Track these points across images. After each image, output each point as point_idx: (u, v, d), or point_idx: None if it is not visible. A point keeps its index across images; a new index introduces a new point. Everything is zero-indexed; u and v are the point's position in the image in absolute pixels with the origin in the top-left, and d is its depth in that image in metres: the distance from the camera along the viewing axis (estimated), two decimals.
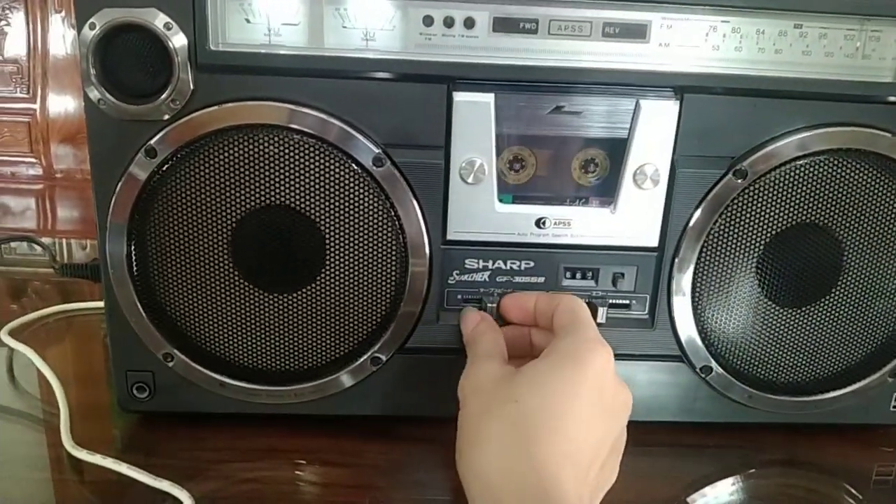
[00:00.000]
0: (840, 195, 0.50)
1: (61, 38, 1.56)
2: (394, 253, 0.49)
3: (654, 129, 0.48)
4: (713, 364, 0.53)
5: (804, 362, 0.54)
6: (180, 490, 0.45)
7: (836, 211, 0.50)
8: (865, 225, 0.50)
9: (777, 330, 0.53)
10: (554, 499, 0.36)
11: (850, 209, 0.50)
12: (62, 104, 1.60)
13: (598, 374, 0.41)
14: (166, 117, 0.46)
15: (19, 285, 0.81)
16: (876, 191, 0.50)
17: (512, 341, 0.48)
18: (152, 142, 0.46)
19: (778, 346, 0.53)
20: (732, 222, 0.50)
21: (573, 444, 0.39)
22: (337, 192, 0.47)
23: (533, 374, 0.41)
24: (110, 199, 0.47)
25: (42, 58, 1.57)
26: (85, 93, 0.45)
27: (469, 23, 0.45)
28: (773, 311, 0.52)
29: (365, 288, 0.50)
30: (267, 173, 0.47)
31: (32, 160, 1.63)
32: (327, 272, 0.49)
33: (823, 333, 0.53)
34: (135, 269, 0.49)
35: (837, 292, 0.52)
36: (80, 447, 0.48)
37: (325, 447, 0.52)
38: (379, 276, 0.49)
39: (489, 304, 0.50)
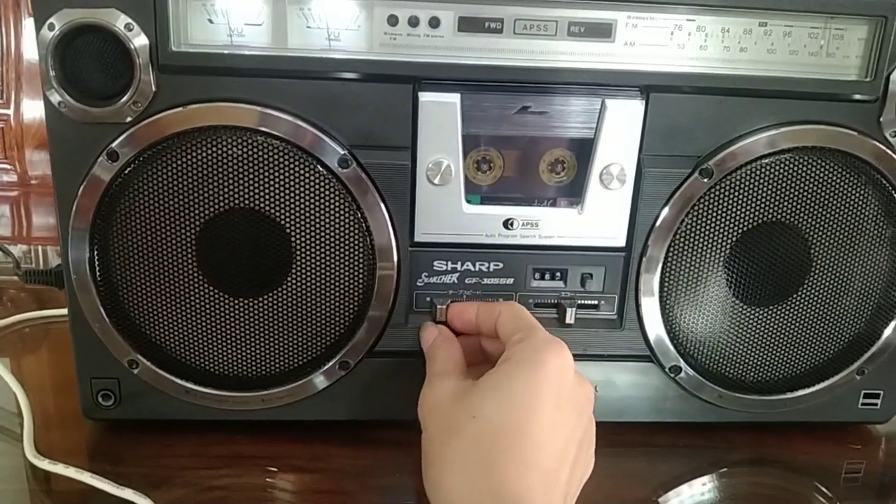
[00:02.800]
0: (806, 193, 0.50)
1: (35, 42, 1.55)
2: (361, 256, 0.49)
3: (621, 129, 0.48)
4: (682, 364, 0.53)
5: (773, 361, 0.54)
6: (144, 499, 0.44)
7: (803, 209, 0.50)
8: (832, 223, 0.51)
9: (746, 329, 0.53)
10: None
11: (817, 207, 0.50)
12: (36, 109, 1.58)
13: (558, 373, 0.40)
14: (128, 119, 0.45)
15: None
16: (842, 189, 0.50)
17: (465, 350, 0.47)
18: (114, 145, 0.45)
19: (747, 345, 0.53)
20: (699, 221, 0.50)
21: (538, 452, 0.38)
22: (302, 195, 0.47)
23: (489, 386, 0.41)
24: (72, 203, 0.46)
25: (15, 62, 1.55)
26: (45, 95, 0.45)
27: (434, 22, 0.45)
28: (741, 309, 0.52)
29: (332, 291, 0.49)
30: (231, 176, 0.46)
31: (7, 166, 1.61)
32: (294, 276, 0.49)
33: (792, 332, 0.53)
34: (98, 274, 0.48)
35: (805, 290, 0.52)
36: (42, 456, 0.48)
37: (293, 453, 0.51)
38: (346, 279, 0.49)
39: (439, 307, 0.50)
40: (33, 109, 1.58)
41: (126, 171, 0.46)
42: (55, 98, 0.44)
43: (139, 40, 0.44)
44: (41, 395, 0.56)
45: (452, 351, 0.47)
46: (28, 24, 1.53)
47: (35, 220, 1.50)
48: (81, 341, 0.50)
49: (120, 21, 0.43)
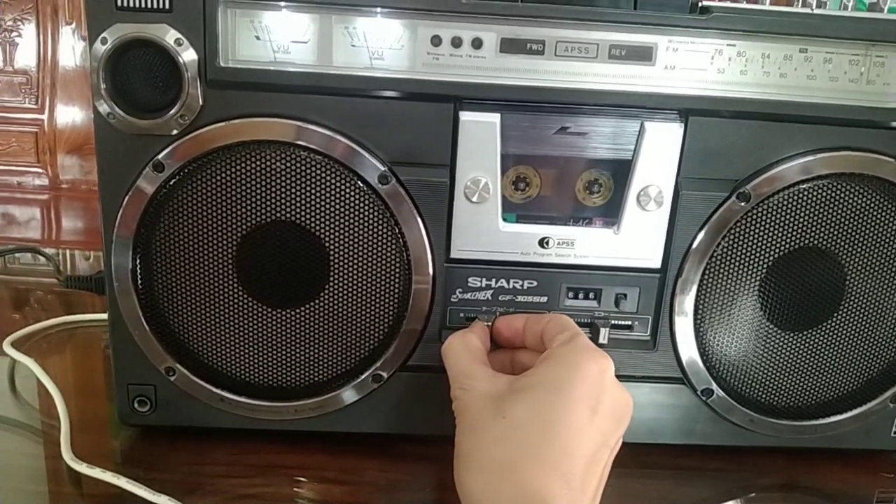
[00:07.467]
0: (843, 219, 0.50)
1: (71, 49, 1.58)
2: (397, 270, 0.49)
3: (659, 151, 0.48)
4: (714, 387, 0.52)
5: (806, 386, 0.53)
6: None
7: (839, 235, 0.50)
8: (868, 249, 0.51)
9: (779, 353, 0.53)
10: None
11: (853, 233, 0.50)
12: (70, 115, 1.61)
13: (596, 378, 0.40)
14: (175, 132, 0.46)
15: (23, 296, 0.82)
16: (879, 215, 0.50)
17: (495, 365, 0.46)
18: (160, 156, 0.46)
19: (779, 369, 0.53)
20: (735, 245, 0.50)
21: (563, 456, 0.38)
22: (342, 209, 0.48)
23: (522, 386, 0.41)
24: (117, 212, 0.47)
25: (51, 69, 1.59)
26: (95, 106, 0.46)
27: (477, 43, 0.46)
28: (774, 334, 0.52)
29: (368, 305, 0.50)
30: (273, 189, 0.47)
31: (39, 170, 1.65)
32: (331, 289, 0.49)
33: (825, 358, 0.53)
34: (139, 282, 0.49)
35: (840, 317, 0.52)
36: (79, 460, 0.48)
37: (324, 464, 0.52)
38: (382, 293, 0.50)
39: (486, 324, 0.50)
40: (67, 115, 1.61)
41: (171, 183, 0.47)
42: (104, 109, 0.46)
43: (188, 55, 0.45)
44: (72, 399, 0.56)
45: (466, 342, 0.46)
46: (64, 32, 1.56)
47: (65, 224, 1.53)
48: (120, 347, 0.51)
49: (170, 36, 0.44)
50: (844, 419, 0.54)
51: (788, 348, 0.53)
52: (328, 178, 0.47)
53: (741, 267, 0.50)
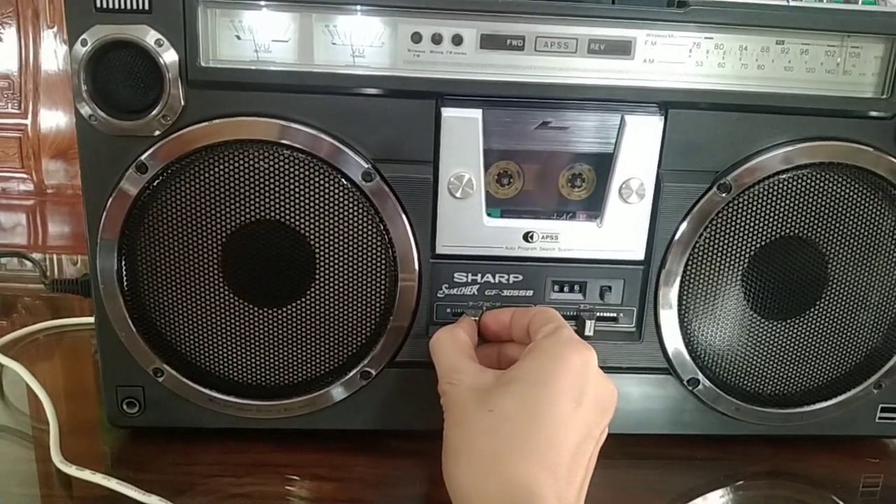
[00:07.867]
0: (823, 208, 0.50)
1: (53, 53, 1.57)
2: (383, 267, 0.49)
3: (640, 144, 0.48)
4: (700, 377, 0.53)
5: (790, 374, 0.54)
6: None
7: (820, 224, 0.51)
8: (849, 237, 0.51)
9: (763, 342, 0.53)
10: None
11: (834, 222, 0.51)
12: (54, 119, 1.60)
13: (580, 370, 0.41)
14: (157, 133, 0.46)
15: (9, 301, 0.81)
16: (858, 204, 0.50)
17: (481, 360, 0.47)
18: (143, 157, 0.46)
19: (764, 358, 0.54)
20: (718, 235, 0.50)
21: (551, 448, 0.38)
22: (326, 207, 0.48)
23: (509, 380, 0.41)
24: (101, 214, 0.47)
25: (34, 73, 1.58)
26: (76, 108, 0.46)
27: (457, 39, 0.46)
28: (758, 323, 0.53)
29: (354, 302, 0.50)
30: (257, 188, 0.47)
31: (24, 175, 1.64)
32: (317, 287, 0.49)
33: (809, 345, 0.53)
34: (125, 284, 0.49)
35: (822, 305, 0.53)
36: (69, 463, 0.48)
37: (314, 461, 0.52)
38: (368, 290, 0.50)
39: (473, 318, 0.50)
40: (50, 119, 1.60)
41: (154, 184, 0.47)
42: (86, 111, 0.45)
43: (169, 56, 0.45)
44: (60, 402, 0.56)
45: (454, 336, 0.46)
46: (46, 35, 1.55)
47: (51, 229, 1.52)
48: (107, 350, 0.51)
49: (150, 37, 0.44)
50: (829, 406, 0.55)
51: (772, 337, 0.53)
52: (312, 176, 0.47)
53: (724, 257, 0.51)
